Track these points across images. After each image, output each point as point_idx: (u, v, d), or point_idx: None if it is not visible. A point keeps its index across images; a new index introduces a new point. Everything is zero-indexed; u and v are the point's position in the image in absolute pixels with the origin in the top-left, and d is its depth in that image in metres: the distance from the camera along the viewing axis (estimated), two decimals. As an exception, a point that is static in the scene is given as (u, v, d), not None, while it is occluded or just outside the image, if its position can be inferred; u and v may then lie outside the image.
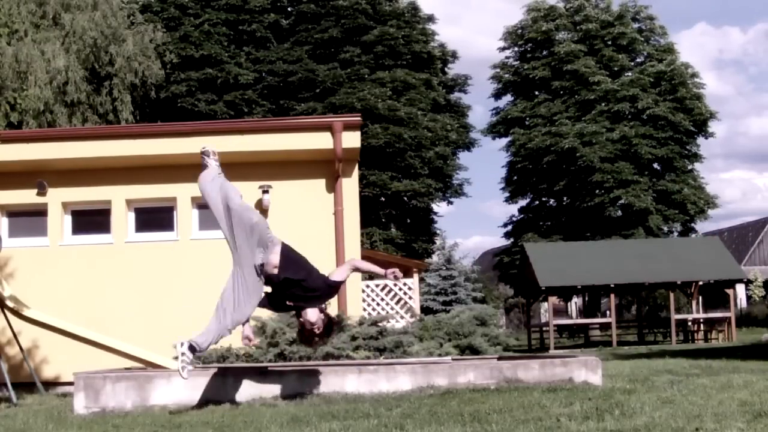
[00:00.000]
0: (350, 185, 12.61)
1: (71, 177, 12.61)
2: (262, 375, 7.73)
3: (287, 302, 6.78)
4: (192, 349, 6.55)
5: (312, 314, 6.67)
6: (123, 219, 12.70)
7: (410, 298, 18.16)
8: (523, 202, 39.24)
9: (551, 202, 38.89)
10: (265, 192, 12.42)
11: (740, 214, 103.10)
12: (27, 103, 21.76)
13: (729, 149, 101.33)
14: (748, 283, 37.20)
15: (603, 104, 36.45)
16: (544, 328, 26.27)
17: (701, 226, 39.30)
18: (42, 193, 12.57)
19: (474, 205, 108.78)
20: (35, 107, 22.18)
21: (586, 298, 34.09)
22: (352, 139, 12.23)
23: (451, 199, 37.20)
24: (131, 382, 7.55)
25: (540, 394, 6.84)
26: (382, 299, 18.17)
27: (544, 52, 38.37)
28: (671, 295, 25.10)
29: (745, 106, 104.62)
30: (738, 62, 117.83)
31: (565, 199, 37.87)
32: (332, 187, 12.53)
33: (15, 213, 12.97)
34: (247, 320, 6.83)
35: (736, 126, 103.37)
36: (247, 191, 12.51)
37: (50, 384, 11.35)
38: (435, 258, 32.75)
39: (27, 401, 9.55)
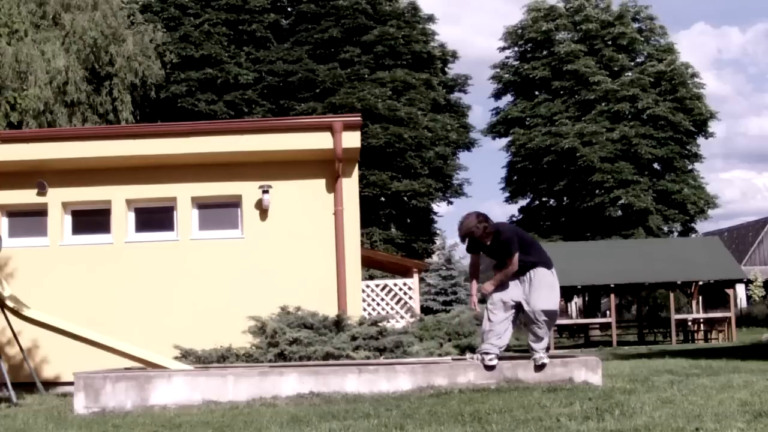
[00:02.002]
0: (350, 185, 12.60)
1: (71, 177, 12.60)
2: (262, 375, 7.73)
3: None
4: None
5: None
6: (123, 219, 12.70)
7: (410, 298, 18.15)
8: (523, 202, 39.28)
9: (551, 202, 38.90)
10: (265, 192, 12.41)
11: (740, 214, 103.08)
12: (27, 103, 21.71)
13: (728, 149, 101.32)
14: (748, 283, 37.18)
15: (603, 104, 36.45)
16: (544, 328, 26.23)
17: (701, 226, 39.35)
18: (42, 193, 12.56)
19: (472, 205, 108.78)
20: (35, 107, 22.16)
21: (586, 298, 34.09)
22: (352, 139, 12.22)
23: (451, 199, 37.24)
24: (131, 382, 7.55)
25: (540, 394, 6.84)
26: (382, 299, 18.17)
27: (544, 52, 38.37)
28: (671, 295, 25.09)
29: (744, 105, 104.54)
30: (737, 62, 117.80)
31: (565, 199, 37.88)
32: (332, 187, 12.52)
33: (15, 213, 12.96)
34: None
35: (735, 126, 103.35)
36: (247, 191, 12.56)
37: (50, 384, 11.35)
38: (435, 258, 32.76)
39: (27, 401, 9.55)
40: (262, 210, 12.55)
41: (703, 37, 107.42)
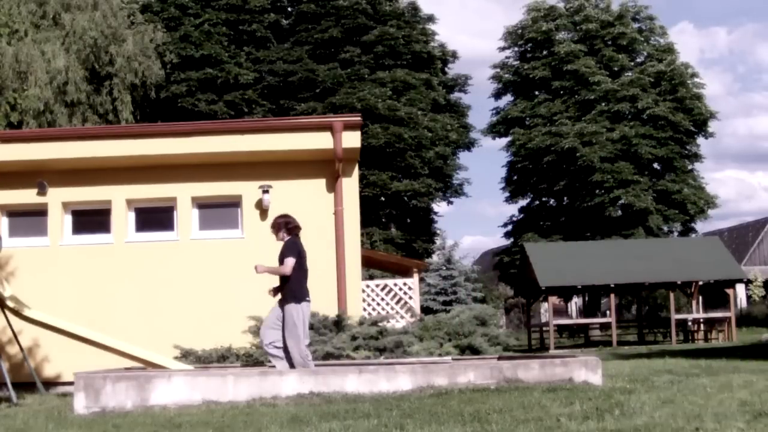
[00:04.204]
0: (350, 185, 12.61)
1: (71, 177, 12.61)
2: (262, 375, 7.74)
3: None
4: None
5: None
6: (123, 219, 12.70)
7: (410, 298, 18.14)
8: (523, 202, 39.25)
9: (551, 202, 38.88)
10: (265, 192, 12.42)
11: (736, 214, 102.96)
12: (27, 103, 21.76)
13: (717, 149, 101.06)
14: (748, 283, 37.15)
15: (603, 104, 36.44)
16: (544, 328, 26.25)
17: (701, 226, 39.32)
18: (42, 193, 12.57)
19: (472, 204, 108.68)
20: (35, 107, 22.18)
21: (586, 298, 34.08)
22: (352, 139, 12.23)
23: (451, 199, 37.24)
24: (131, 382, 7.55)
25: (540, 394, 6.84)
26: (382, 299, 18.16)
27: (544, 52, 38.35)
28: (671, 295, 25.08)
29: (734, 105, 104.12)
30: (724, 61, 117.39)
31: (565, 199, 37.86)
32: (332, 187, 12.54)
33: (15, 213, 12.96)
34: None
35: (723, 126, 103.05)
36: (247, 191, 12.57)
37: (50, 384, 11.35)
38: (435, 258, 32.73)
39: (27, 401, 9.55)
40: (262, 210, 12.56)
41: (690, 37, 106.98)
